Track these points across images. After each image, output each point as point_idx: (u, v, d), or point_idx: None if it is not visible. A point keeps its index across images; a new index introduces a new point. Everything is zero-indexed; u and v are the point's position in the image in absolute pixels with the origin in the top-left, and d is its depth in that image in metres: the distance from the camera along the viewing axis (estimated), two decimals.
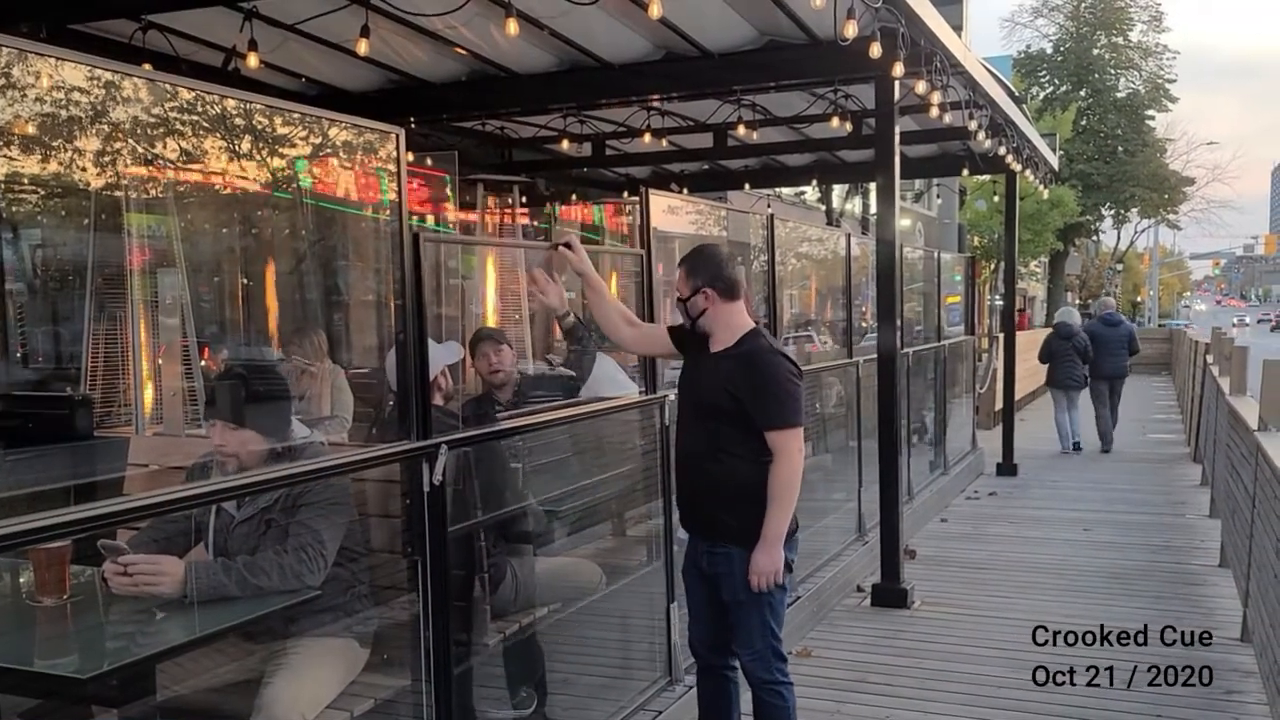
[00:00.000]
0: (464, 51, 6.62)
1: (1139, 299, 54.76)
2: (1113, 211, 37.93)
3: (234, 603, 2.85)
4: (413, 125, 7.79)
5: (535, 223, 10.52)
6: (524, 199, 9.21)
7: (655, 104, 7.85)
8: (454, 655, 3.30)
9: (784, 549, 3.51)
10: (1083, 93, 36.09)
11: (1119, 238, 45.80)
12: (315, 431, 3.38)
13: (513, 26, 4.93)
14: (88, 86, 4.86)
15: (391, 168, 3.14)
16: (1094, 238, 43.53)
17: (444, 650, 3.14)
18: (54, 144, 5.54)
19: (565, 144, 8.34)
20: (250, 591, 2.87)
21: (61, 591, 2.83)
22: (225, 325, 7.19)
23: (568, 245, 3.70)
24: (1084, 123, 34.68)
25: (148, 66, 4.90)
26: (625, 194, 10.68)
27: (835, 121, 7.68)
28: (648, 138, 8.08)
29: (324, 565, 3.00)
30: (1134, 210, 38.50)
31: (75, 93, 5.00)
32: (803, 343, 8.79)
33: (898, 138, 6.30)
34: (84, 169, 5.87)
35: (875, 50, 5.19)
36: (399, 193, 3.09)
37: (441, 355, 4.18)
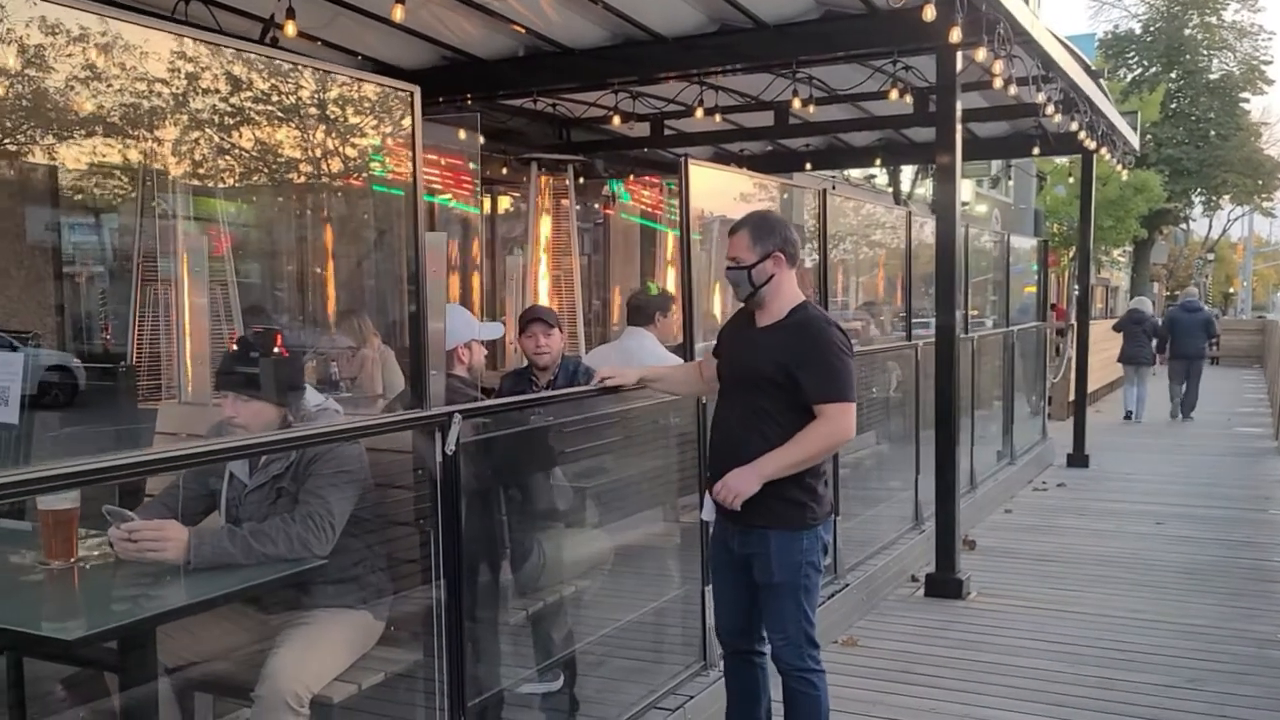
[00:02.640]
0: (518, 27, 6.55)
1: (1231, 290, 52.57)
2: (1203, 198, 36.36)
3: (241, 570, 2.80)
4: (469, 102, 7.75)
5: (593, 205, 10.45)
6: (580, 179, 9.12)
7: (710, 79, 7.67)
8: (473, 630, 3.22)
9: (820, 530, 3.36)
10: (1173, 74, 34.62)
11: (1210, 226, 44.07)
12: (330, 399, 3.30)
13: None
14: (111, 69, 4.87)
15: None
16: (1183, 226, 41.83)
17: (456, 624, 3.04)
18: (97, 127, 5.60)
19: (617, 121, 8.20)
20: (256, 559, 2.81)
21: (69, 555, 2.82)
22: (274, 304, 7.25)
23: (609, 378, 3.78)
24: (1174, 105, 33.30)
25: (189, 42, 4.89)
26: None
27: (894, 94, 7.42)
28: (700, 114, 7.89)
29: (332, 535, 2.93)
30: (1226, 197, 36.86)
31: (103, 80, 5.02)
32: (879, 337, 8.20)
33: (959, 112, 6.03)
34: (129, 153, 5.94)
35: (929, 13, 4.95)
36: (413, 159, 2.97)
37: (467, 330, 4.09)
